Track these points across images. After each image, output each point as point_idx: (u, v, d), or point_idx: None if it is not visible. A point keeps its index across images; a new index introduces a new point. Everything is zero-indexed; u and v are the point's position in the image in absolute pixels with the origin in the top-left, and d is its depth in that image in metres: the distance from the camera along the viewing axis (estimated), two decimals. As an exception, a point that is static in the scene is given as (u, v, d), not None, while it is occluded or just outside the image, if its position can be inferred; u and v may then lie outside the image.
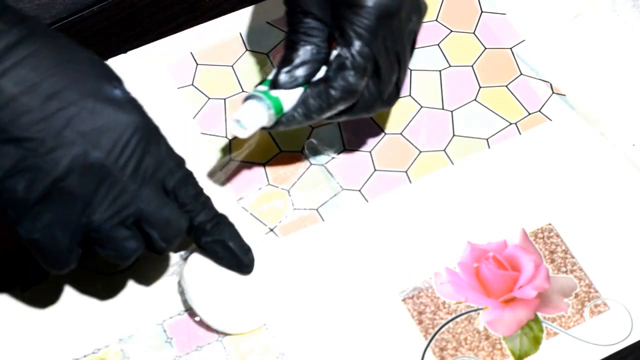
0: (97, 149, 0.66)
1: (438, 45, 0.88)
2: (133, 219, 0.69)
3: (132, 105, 0.68)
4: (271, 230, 0.79)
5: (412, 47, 0.78)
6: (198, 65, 0.87)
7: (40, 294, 0.76)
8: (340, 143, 0.83)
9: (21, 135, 0.65)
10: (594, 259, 0.79)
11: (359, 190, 0.82)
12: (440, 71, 0.87)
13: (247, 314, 0.75)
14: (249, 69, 0.87)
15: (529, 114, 0.85)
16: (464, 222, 0.80)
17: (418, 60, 0.87)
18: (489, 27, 0.89)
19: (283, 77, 0.74)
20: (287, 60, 0.75)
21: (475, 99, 0.86)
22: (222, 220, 0.74)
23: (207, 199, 0.73)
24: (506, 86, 0.86)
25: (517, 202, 0.81)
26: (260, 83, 0.76)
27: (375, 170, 0.82)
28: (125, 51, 0.87)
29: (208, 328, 0.75)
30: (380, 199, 0.81)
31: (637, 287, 0.78)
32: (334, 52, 0.74)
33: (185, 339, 0.75)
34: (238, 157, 0.82)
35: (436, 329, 0.76)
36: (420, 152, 0.83)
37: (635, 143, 0.84)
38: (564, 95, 0.86)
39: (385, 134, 0.84)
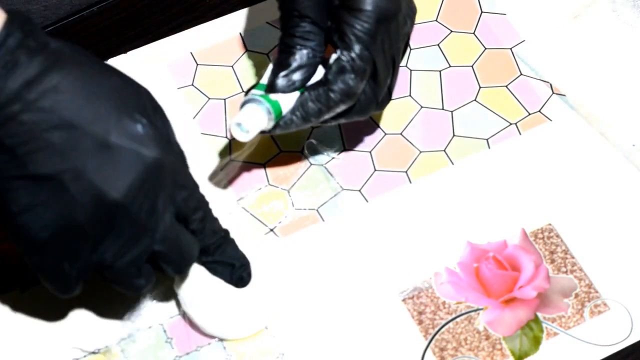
0: (113, 188, 0.65)
1: (438, 45, 0.88)
2: (146, 257, 0.69)
3: (153, 141, 0.66)
4: (271, 230, 0.79)
5: (404, 51, 0.79)
6: (198, 66, 0.87)
7: (39, 294, 0.76)
8: (340, 143, 0.83)
9: (38, 172, 0.64)
10: (594, 259, 0.79)
11: (359, 191, 0.82)
12: (440, 71, 0.87)
13: (246, 320, 0.75)
14: (249, 69, 0.87)
15: (529, 114, 0.85)
16: (464, 222, 0.80)
17: (418, 60, 0.87)
18: (489, 28, 0.89)
19: (281, 81, 0.74)
20: (283, 64, 0.75)
21: (475, 99, 0.86)
22: (225, 241, 0.73)
23: (215, 220, 0.73)
24: (506, 86, 0.86)
25: (517, 202, 0.81)
26: (253, 87, 0.76)
27: (375, 170, 0.82)
28: (125, 51, 0.87)
29: (204, 333, 0.75)
30: (380, 199, 0.81)
31: (637, 287, 0.78)
32: (333, 56, 0.74)
33: (185, 339, 0.75)
34: (238, 157, 0.82)
35: (436, 329, 0.76)
36: (420, 152, 0.83)
37: (636, 143, 0.84)
38: (564, 95, 0.86)
39: (385, 134, 0.84)
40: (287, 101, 0.75)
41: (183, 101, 0.85)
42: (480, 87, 0.86)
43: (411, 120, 0.85)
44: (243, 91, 0.85)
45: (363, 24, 0.73)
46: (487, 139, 0.84)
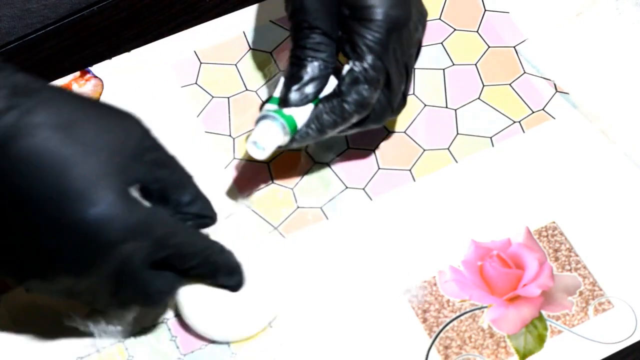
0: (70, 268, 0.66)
1: (441, 43, 0.88)
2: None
3: (115, 223, 0.65)
4: (275, 228, 0.79)
5: (417, 55, 0.78)
6: (202, 64, 0.87)
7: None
8: (344, 141, 0.83)
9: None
10: (598, 257, 0.79)
11: (363, 189, 0.81)
12: (443, 70, 0.87)
13: (248, 320, 0.75)
14: (252, 68, 0.87)
15: (533, 112, 0.85)
16: (468, 220, 0.80)
17: (421, 58, 0.86)
18: (492, 26, 0.89)
19: (294, 95, 0.74)
20: (296, 78, 0.74)
21: (479, 98, 0.86)
22: (213, 251, 0.73)
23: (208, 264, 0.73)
24: (510, 84, 0.86)
25: (521, 200, 0.81)
26: (267, 101, 0.75)
27: (379, 168, 0.82)
28: (127, 50, 0.87)
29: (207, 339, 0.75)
30: (384, 197, 0.81)
31: (641, 285, 0.78)
32: (346, 67, 0.74)
33: (189, 337, 0.75)
34: (242, 155, 0.82)
35: (440, 327, 0.76)
36: (424, 150, 0.83)
37: (638, 142, 0.84)
38: (567, 93, 0.86)
39: (389, 132, 0.84)
40: (301, 114, 0.74)
41: (187, 100, 0.85)
42: (483, 86, 0.86)
43: (415, 118, 0.85)
44: (247, 89, 0.86)
45: (374, 34, 0.73)
46: (490, 137, 0.84)
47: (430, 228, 0.80)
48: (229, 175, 0.82)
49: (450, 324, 0.76)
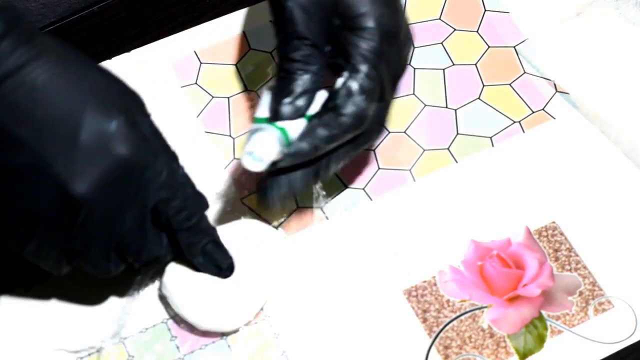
0: (78, 185, 0.66)
1: (441, 43, 0.88)
2: (112, 248, 0.70)
3: (126, 140, 0.66)
4: (275, 228, 0.79)
5: (402, 74, 0.76)
6: (202, 64, 0.87)
7: (43, 292, 0.76)
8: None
9: (8, 166, 0.66)
10: (598, 257, 0.79)
11: (363, 189, 0.82)
12: (443, 70, 0.87)
13: (240, 308, 0.75)
14: (252, 68, 0.87)
15: (533, 112, 0.85)
16: (468, 220, 0.80)
17: (421, 58, 0.87)
18: (492, 26, 0.89)
19: (286, 108, 0.72)
20: (287, 91, 0.72)
21: (479, 98, 0.86)
22: (212, 242, 0.73)
23: (202, 221, 0.73)
24: (510, 84, 0.86)
25: (521, 200, 0.81)
26: (256, 118, 0.73)
27: (379, 168, 0.82)
28: (127, 50, 0.87)
29: (197, 331, 0.75)
30: (384, 197, 0.81)
31: (641, 285, 0.78)
32: (340, 80, 0.72)
33: (189, 337, 0.75)
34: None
35: (440, 327, 0.76)
36: (424, 150, 0.83)
37: (637, 142, 0.84)
38: (567, 93, 0.86)
39: (389, 132, 0.84)
40: (294, 128, 0.72)
41: (187, 100, 0.85)
42: (483, 85, 0.86)
43: (415, 118, 0.85)
44: (247, 89, 0.86)
45: (368, 42, 0.72)
46: (491, 137, 0.84)
47: (430, 228, 0.80)
48: (229, 175, 0.82)
49: (450, 324, 0.76)
